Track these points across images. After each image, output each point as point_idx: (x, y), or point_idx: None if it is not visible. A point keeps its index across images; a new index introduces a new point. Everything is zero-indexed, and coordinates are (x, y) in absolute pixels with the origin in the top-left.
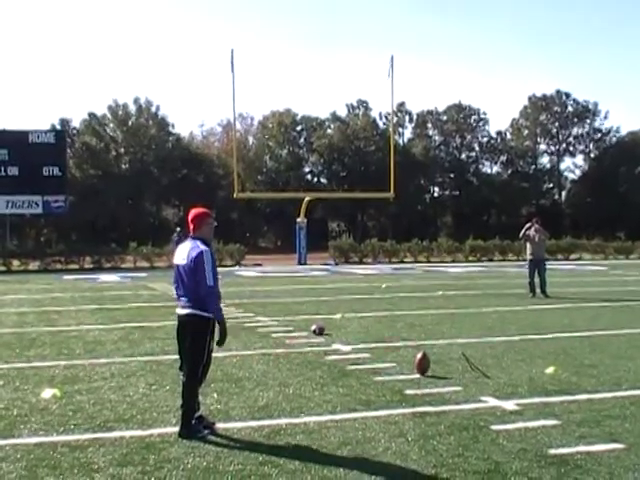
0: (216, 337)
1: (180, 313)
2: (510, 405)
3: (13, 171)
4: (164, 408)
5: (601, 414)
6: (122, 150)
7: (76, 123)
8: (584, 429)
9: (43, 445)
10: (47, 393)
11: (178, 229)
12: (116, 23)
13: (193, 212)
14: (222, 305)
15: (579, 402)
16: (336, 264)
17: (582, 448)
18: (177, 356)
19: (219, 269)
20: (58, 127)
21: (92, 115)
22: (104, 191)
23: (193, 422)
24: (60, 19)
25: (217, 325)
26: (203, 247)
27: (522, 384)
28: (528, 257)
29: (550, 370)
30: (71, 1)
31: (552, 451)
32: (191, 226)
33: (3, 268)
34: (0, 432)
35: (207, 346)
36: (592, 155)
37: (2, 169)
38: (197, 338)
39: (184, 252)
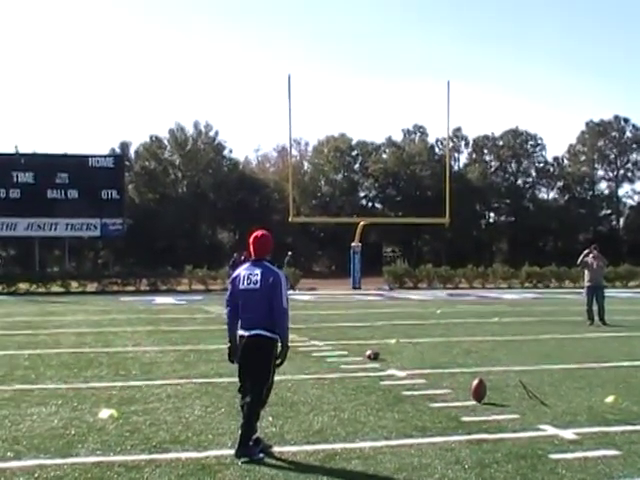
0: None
1: (246, 334)
2: (569, 434)
3: (73, 194)
4: (219, 430)
5: None
6: (179, 174)
7: (136, 146)
8: None
9: (100, 465)
10: (104, 413)
11: (235, 254)
12: (178, 49)
13: (257, 234)
14: None
15: None
16: (391, 289)
17: None
18: (233, 379)
19: None
20: (118, 150)
21: (153, 138)
22: (161, 214)
23: (250, 444)
24: (124, 46)
25: (280, 347)
26: (278, 270)
27: (581, 413)
28: (586, 284)
29: (610, 399)
30: (136, 28)
31: None
32: (254, 248)
33: (62, 289)
34: (59, 451)
35: (273, 367)
36: None
37: (63, 192)
38: (264, 359)
39: (254, 277)
